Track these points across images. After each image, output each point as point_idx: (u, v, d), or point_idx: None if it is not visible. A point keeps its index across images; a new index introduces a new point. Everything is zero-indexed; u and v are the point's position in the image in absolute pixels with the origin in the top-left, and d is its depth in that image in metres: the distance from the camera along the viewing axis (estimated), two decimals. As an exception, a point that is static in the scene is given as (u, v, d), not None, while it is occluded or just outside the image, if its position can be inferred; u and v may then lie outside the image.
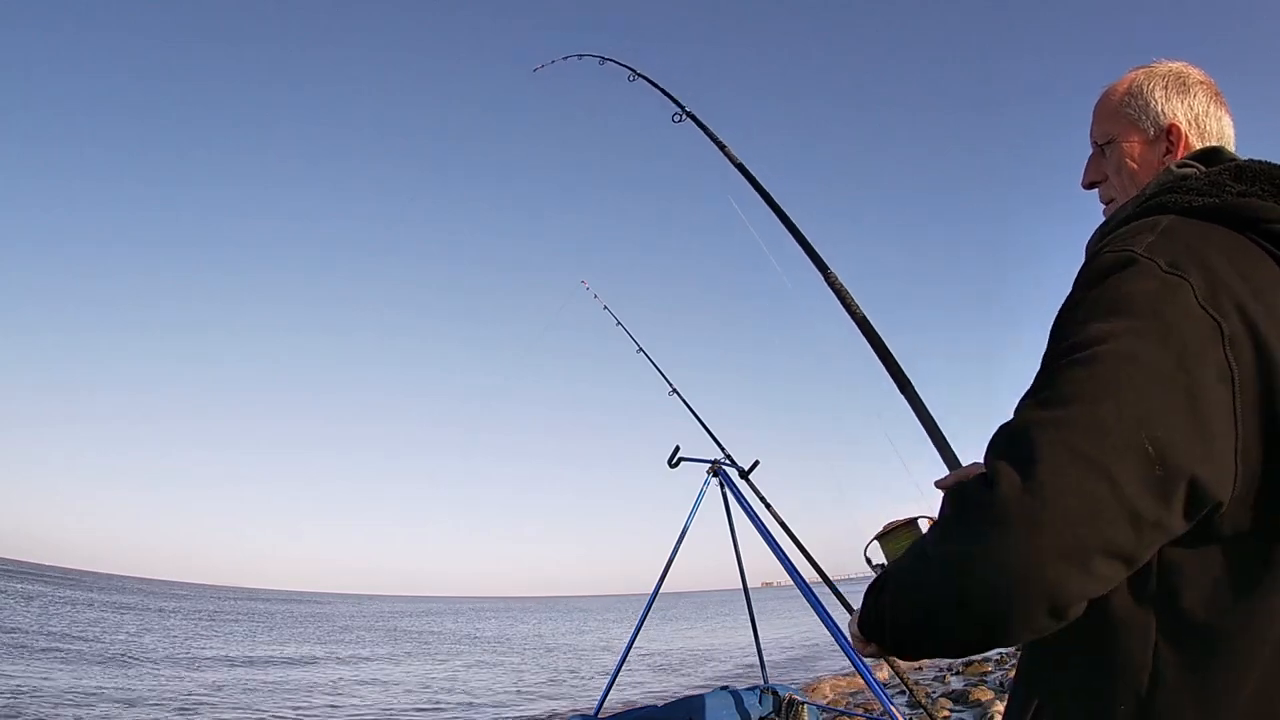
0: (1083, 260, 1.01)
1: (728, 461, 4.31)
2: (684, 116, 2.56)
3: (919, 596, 0.75)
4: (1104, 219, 1.03)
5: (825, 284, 1.97)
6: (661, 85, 2.74)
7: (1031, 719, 0.79)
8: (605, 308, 5.13)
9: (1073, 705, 0.76)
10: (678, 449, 4.30)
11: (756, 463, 4.39)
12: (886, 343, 1.82)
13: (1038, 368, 0.77)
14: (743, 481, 4.26)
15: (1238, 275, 0.73)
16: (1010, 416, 0.74)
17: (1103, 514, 0.64)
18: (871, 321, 1.86)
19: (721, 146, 2.37)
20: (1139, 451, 0.65)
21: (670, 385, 4.88)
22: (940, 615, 0.72)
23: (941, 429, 1.71)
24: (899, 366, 1.80)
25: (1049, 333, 0.78)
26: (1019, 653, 0.89)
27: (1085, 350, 0.70)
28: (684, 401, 4.84)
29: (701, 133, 2.47)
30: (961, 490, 0.74)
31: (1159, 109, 1.00)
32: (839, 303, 1.92)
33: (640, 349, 5.04)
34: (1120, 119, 1.03)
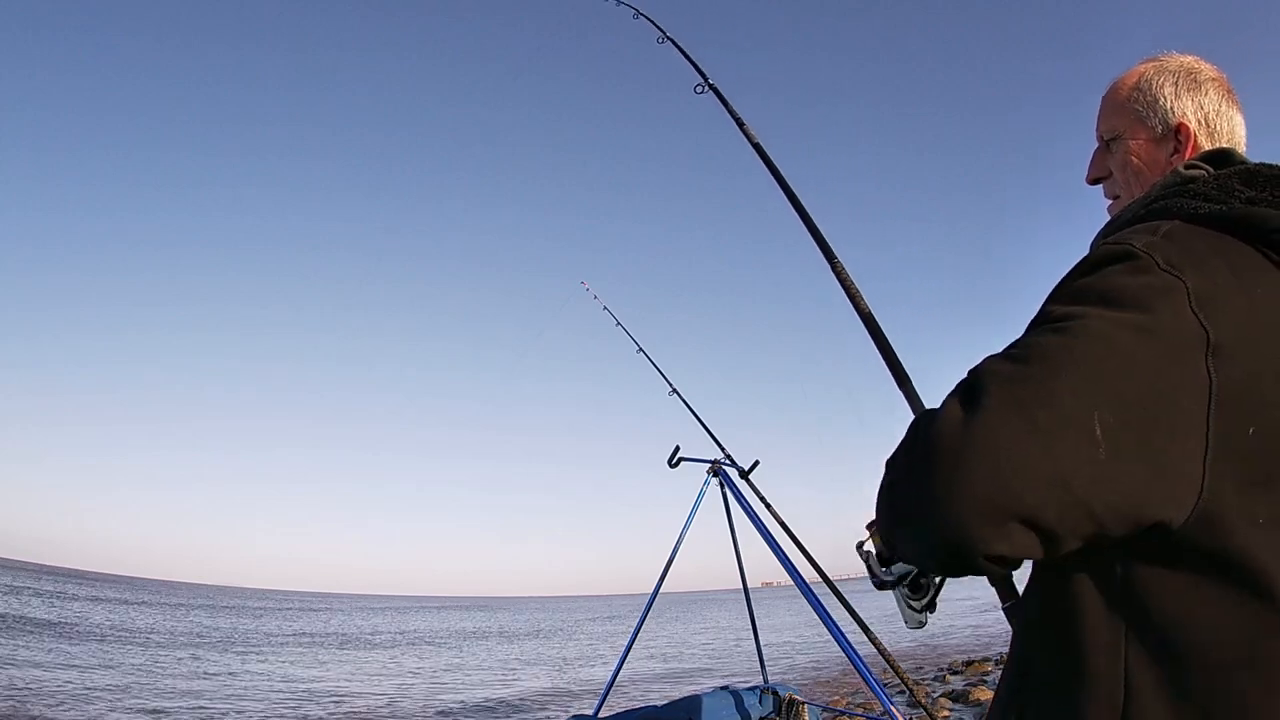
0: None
1: (728, 461, 4.32)
2: (706, 88, 2.40)
3: (882, 509, 0.78)
4: (1109, 217, 0.99)
5: (831, 274, 1.88)
6: (689, 53, 2.55)
7: None
8: (605, 308, 5.12)
9: None
10: (678, 449, 4.31)
11: (756, 463, 4.40)
12: (888, 337, 1.75)
13: None
14: (743, 481, 4.26)
15: (1238, 285, 0.69)
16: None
17: (1029, 476, 0.62)
18: (875, 316, 1.78)
19: (740, 123, 2.24)
20: (1086, 430, 0.63)
21: (670, 385, 4.88)
22: (891, 532, 0.77)
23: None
24: (898, 361, 1.75)
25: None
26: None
27: (1064, 322, 0.69)
28: (684, 401, 4.83)
29: (721, 107, 2.32)
30: (919, 417, 0.75)
31: (1168, 106, 0.95)
32: (844, 295, 1.84)
33: (640, 349, 5.03)
34: (1127, 114, 0.98)
